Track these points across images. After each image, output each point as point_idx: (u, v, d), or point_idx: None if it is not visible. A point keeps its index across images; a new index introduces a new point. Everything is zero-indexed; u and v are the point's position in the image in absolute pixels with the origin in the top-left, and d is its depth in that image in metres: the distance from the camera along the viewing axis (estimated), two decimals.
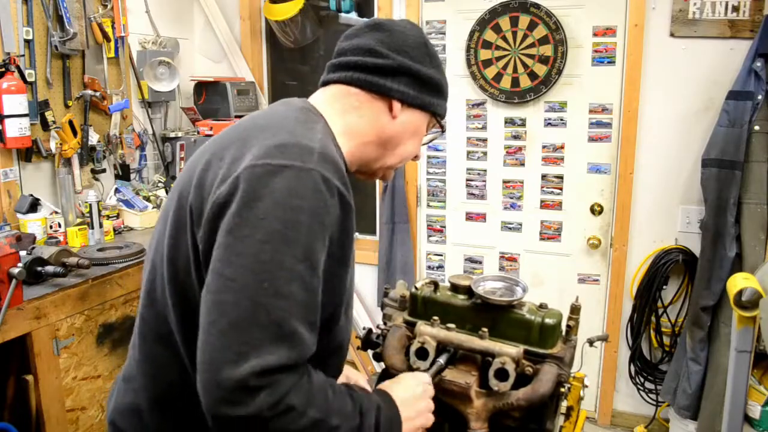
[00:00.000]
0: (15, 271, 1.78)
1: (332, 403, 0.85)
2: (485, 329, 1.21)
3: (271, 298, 0.78)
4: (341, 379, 1.18)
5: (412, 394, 1.04)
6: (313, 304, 0.84)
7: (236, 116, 3.09)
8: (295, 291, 0.80)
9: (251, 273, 0.78)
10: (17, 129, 2.25)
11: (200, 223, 0.88)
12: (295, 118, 0.98)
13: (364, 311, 3.31)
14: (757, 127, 2.33)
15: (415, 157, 1.15)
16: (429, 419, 1.06)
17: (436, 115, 1.11)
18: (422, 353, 1.21)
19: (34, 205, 2.36)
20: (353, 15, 3.18)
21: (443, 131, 1.18)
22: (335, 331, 1.02)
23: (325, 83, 1.09)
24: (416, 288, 1.37)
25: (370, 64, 1.03)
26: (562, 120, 2.86)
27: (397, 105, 1.04)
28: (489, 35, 2.87)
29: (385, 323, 1.34)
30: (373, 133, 1.06)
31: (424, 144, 1.16)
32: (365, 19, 1.07)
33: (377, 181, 3.23)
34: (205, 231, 0.86)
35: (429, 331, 1.25)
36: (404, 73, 1.04)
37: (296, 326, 0.80)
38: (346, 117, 1.04)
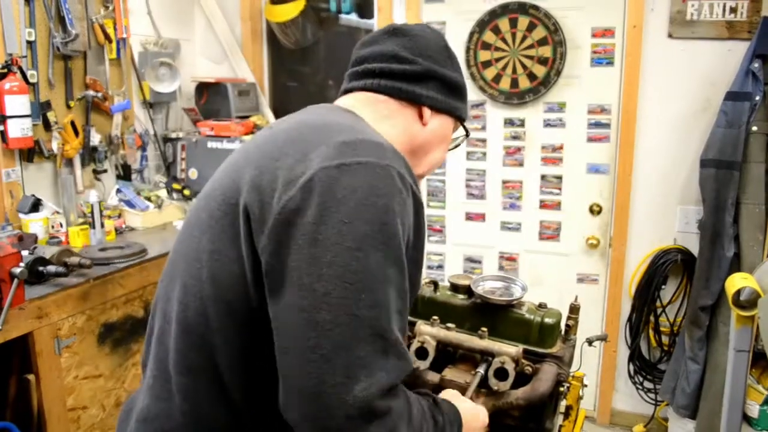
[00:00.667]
0: (17, 270, 1.78)
1: (423, 426, 0.79)
2: (485, 329, 1.22)
3: (371, 309, 0.71)
4: None
5: (477, 426, 0.99)
6: (406, 310, 0.79)
7: (237, 117, 3.10)
8: (392, 298, 0.74)
9: (347, 284, 0.71)
10: (19, 129, 2.25)
11: (262, 232, 0.78)
12: (347, 117, 0.93)
13: None
14: (754, 128, 2.34)
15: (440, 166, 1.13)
16: None
17: (461, 119, 1.08)
18: (422, 353, 1.22)
19: (35, 205, 2.37)
20: (353, 16, 3.19)
21: (468, 135, 1.15)
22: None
23: (348, 91, 1.03)
24: None
25: (397, 71, 0.99)
26: (561, 121, 2.87)
27: (427, 111, 1.01)
28: (488, 36, 2.88)
29: None
30: (406, 142, 1.01)
31: (450, 149, 1.12)
32: (389, 26, 1.02)
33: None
34: (271, 241, 0.76)
35: (429, 331, 1.26)
36: (432, 78, 1.00)
37: (398, 335, 0.74)
38: (379, 126, 0.96)
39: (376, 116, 0.98)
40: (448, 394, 1.03)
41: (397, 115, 1.00)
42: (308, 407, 0.70)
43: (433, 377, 1.20)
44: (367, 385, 0.69)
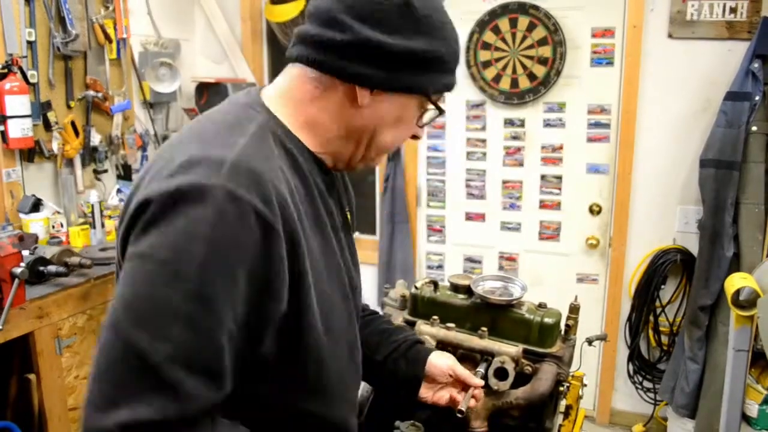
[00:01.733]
0: (17, 270, 1.78)
1: None
2: (485, 329, 1.23)
3: (149, 341, 0.66)
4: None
5: None
6: (207, 348, 0.69)
7: None
8: (178, 334, 0.67)
9: (130, 311, 0.68)
10: (20, 130, 2.26)
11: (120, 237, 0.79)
12: (224, 120, 0.83)
13: None
14: (754, 128, 2.34)
15: (414, 137, 0.95)
16: None
17: (426, 93, 0.87)
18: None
19: (36, 205, 2.37)
20: None
21: (441, 112, 0.91)
22: (309, 368, 0.85)
23: (289, 59, 0.89)
24: (416, 287, 1.38)
25: (326, 40, 0.81)
26: (560, 121, 2.88)
27: (362, 92, 0.83)
28: (488, 36, 2.88)
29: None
30: (337, 127, 0.87)
31: (421, 126, 0.93)
32: None
33: (377, 181, 3.25)
34: (118, 255, 0.79)
35: (429, 331, 1.26)
36: (369, 49, 0.80)
37: (179, 375, 0.67)
38: (306, 108, 0.86)
39: (305, 96, 0.86)
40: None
41: (327, 96, 0.85)
42: (82, 427, 0.68)
43: None
44: (126, 416, 0.65)
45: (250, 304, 0.73)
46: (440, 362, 1.14)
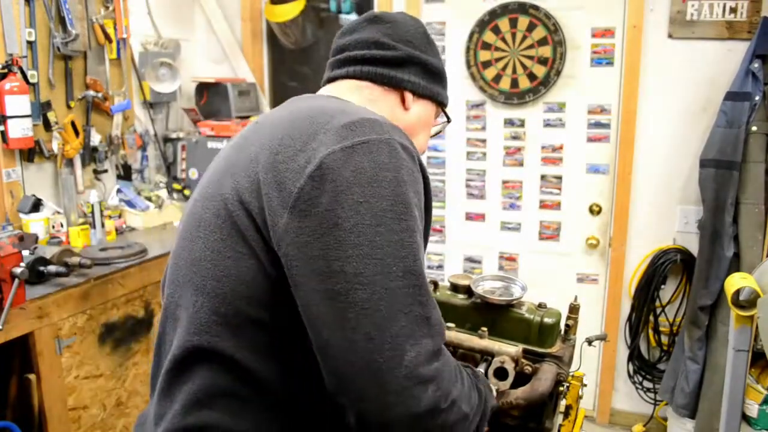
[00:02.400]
0: (17, 270, 1.78)
1: (471, 395, 0.84)
2: (485, 328, 1.23)
3: (403, 279, 0.72)
4: None
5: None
6: (426, 277, 0.79)
7: (237, 117, 3.10)
8: (420, 263, 0.75)
9: (376, 260, 0.72)
10: (20, 130, 2.25)
11: (275, 226, 0.77)
12: (334, 102, 0.92)
13: None
14: (754, 128, 2.34)
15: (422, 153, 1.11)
16: None
17: (442, 104, 1.10)
18: None
19: (36, 205, 2.37)
20: (353, 16, 3.19)
21: (449, 120, 1.16)
22: None
23: (331, 80, 1.04)
24: None
25: (378, 57, 1.00)
26: (561, 121, 2.88)
27: (409, 96, 1.03)
28: (488, 36, 2.88)
29: None
30: None
31: (433, 135, 1.14)
32: (369, 14, 1.07)
33: None
34: (288, 234, 0.76)
35: None
36: (413, 63, 1.02)
37: (433, 301, 0.76)
38: (370, 108, 0.96)
39: (361, 101, 0.99)
40: None
41: (381, 100, 1.01)
42: (363, 388, 0.71)
43: None
44: (416, 354, 0.70)
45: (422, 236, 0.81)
46: None
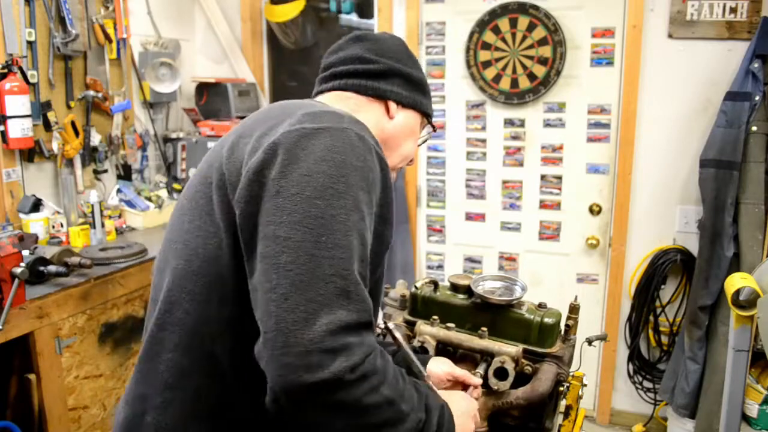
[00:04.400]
0: (17, 270, 1.78)
1: (403, 387, 0.82)
2: (485, 329, 1.23)
3: (330, 250, 0.75)
4: None
5: (466, 411, 1.01)
6: (367, 258, 0.81)
7: (237, 117, 3.10)
8: (353, 242, 0.78)
9: (306, 228, 0.76)
10: (20, 130, 2.25)
11: (235, 198, 0.84)
12: (317, 102, 1.01)
13: None
14: (754, 128, 2.34)
15: (410, 162, 1.16)
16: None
17: (426, 114, 1.15)
18: (422, 352, 1.22)
19: (36, 206, 2.37)
20: (353, 16, 3.19)
21: (435, 130, 1.22)
22: (376, 294, 0.97)
23: (319, 94, 1.10)
24: (416, 287, 1.38)
25: (362, 70, 1.06)
26: (560, 121, 2.88)
27: (393, 105, 1.08)
28: (488, 36, 2.88)
29: (385, 323, 1.35)
30: (377, 135, 1.03)
31: (419, 144, 1.18)
32: (353, 34, 1.14)
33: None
34: (241, 202, 0.82)
35: (429, 331, 1.26)
36: (395, 75, 1.08)
37: (358, 279, 0.77)
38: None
39: (347, 110, 1.02)
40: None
41: (366, 109, 1.06)
42: (272, 348, 0.72)
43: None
44: (327, 322, 0.71)
45: (374, 226, 0.86)
46: (437, 370, 1.16)
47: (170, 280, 0.91)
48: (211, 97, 3.18)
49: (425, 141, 1.21)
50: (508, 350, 1.17)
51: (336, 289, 0.74)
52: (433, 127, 1.19)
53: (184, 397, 0.89)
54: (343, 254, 0.76)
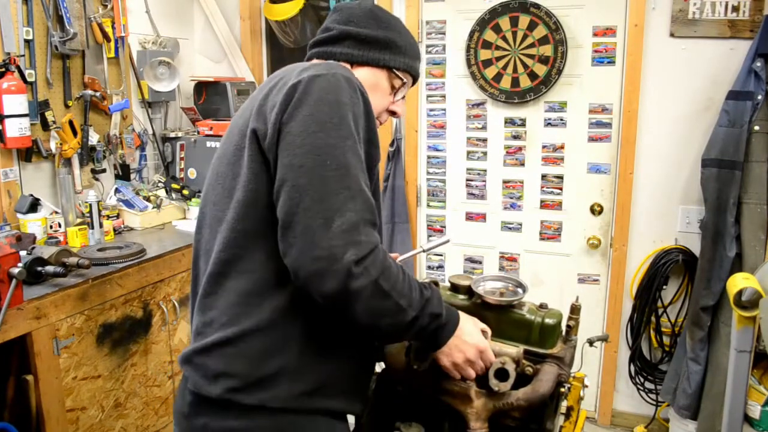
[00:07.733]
0: (15, 271, 1.77)
1: (402, 283, 1.01)
2: None
3: (335, 170, 0.97)
4: None
5: (473, 325, 1.15)
6: (364, 170, 1.03)
7: None
8: (351, 159, 0.99)
9: (315, 156, 0.98)
10: (17, 129, 2.24)
11: (267, 143, 1.04)
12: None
13: None
14: (756, 127, 2.33)
15: (394, 114, 1.30)
16: (477, 356, 1.13)
17: (393, 68, 1.25)
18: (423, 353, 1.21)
19: (34, 205, 2.36)
20: None
21: (408, 82, 1.30)
22: (375, 200, 1.13)
23: (310, 59, 1.30)
24: None
25: (321, 38, 1.27)
26: (562, 120, 2.86)
27: (346, 65, 1.20)
28: (489, 35, 2.87)
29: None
30: None
31: (398, 99, 1.29)
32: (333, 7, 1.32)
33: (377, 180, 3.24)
34: (272, 147, 1.03)
35: None
36: (346, 38, 1.23)
37: (362, 185, 0.99)
38: None
39: None
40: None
41: None
42: (301, 247, 0.95)
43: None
44: (341, 223, 0.94)
45: (364, 148, 1.06)
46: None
47: (215, 227, 1.13)
48: (209, 96, 3.17)
49: (403, 94, 1.31)
50: (508, 351, 1.16)
51: (344, 197, 0.96)
52: (401, 78, 1.27)
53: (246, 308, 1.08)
54: (345, 171, 0.98)
